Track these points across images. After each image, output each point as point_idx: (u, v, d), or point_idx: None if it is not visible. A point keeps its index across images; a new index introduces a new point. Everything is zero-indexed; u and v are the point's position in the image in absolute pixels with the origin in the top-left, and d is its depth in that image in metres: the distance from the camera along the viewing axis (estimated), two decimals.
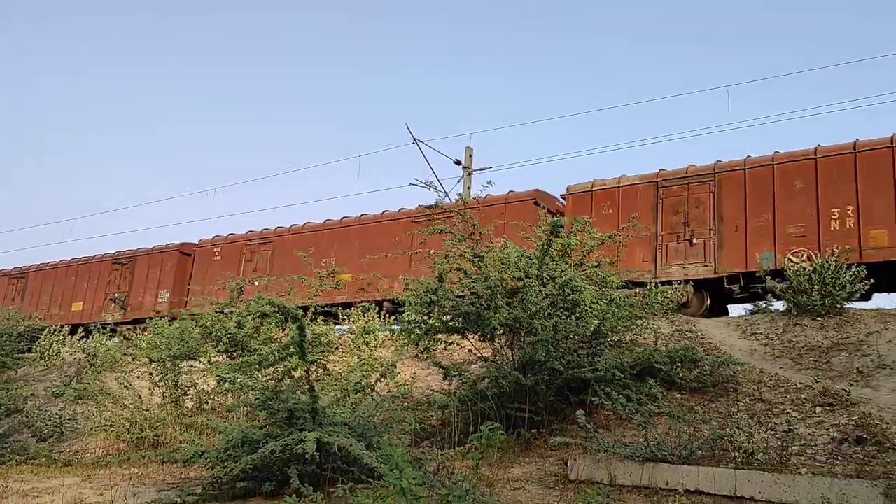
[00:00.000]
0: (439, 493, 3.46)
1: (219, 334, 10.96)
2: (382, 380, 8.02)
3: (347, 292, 17.85)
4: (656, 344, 10.28)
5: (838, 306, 11.52)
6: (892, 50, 56.25)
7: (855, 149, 13.08)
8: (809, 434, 7.46)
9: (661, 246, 14.54)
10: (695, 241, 14.17)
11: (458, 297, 8.94)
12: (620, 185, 15.56)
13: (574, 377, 8.39)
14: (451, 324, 9.19)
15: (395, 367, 7.30)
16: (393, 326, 9.34)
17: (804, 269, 12.06)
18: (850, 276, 11.54)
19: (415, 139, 21.65)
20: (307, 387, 6.26)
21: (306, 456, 5.58)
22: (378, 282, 16.64)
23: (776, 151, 14.00)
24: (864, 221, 12.54)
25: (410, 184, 26.26)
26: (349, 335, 12.67)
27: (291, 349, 6.13)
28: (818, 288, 11.56)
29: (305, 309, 11.87)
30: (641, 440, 7.05)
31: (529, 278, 8.82)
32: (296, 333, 5.93)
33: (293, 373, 6.67)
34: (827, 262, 11.79)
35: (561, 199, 16.79)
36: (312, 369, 9.93)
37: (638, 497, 6.25)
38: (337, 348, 12.17)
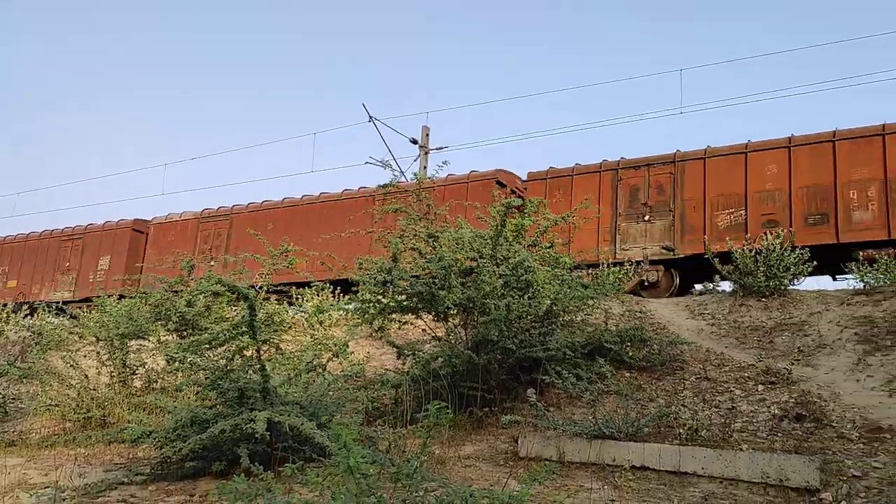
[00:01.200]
0: (389, 471, 3.49)
1: (168, 313, 10.78)
2: (335, 359, 8.00)
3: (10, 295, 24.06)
4: (607, 323, 10.47)
5: (782, 287, 11.86)
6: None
7: None
8: (752, 411, 7.69)
9: None
10: None
11: (412, 276, 8.96)
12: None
13: (526, 356, 8.50)
14: (405, 303, 9.22)
15: (348, 346, 7.29)
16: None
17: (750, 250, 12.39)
18: (794, 258, 11.89)
19: (371, 117, 21.51)
20: (258, 366, 6.22)
21: (256, 435, 5.55)
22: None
23: None
24: None
25: (366, 162, 26.18)
26: (303, 314, 12.59)
27: (242, 328, 6.08)
28: (763, 269, 11.88)
29: (258, 288, 11.80)
30: (590, 418, 7.19)
31: (483, 258, 8.88)
32: (246, 312, 5.87)
33: (244, 352, 6.62)
34: (772, 244, 12.12)
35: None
36: (265, 349, 9.87)
37: (585, 473, 6.38)
38: (290, 327, 12.09)
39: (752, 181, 14.57)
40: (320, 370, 7.32)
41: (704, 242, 14.20)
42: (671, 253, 14.96)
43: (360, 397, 7.37)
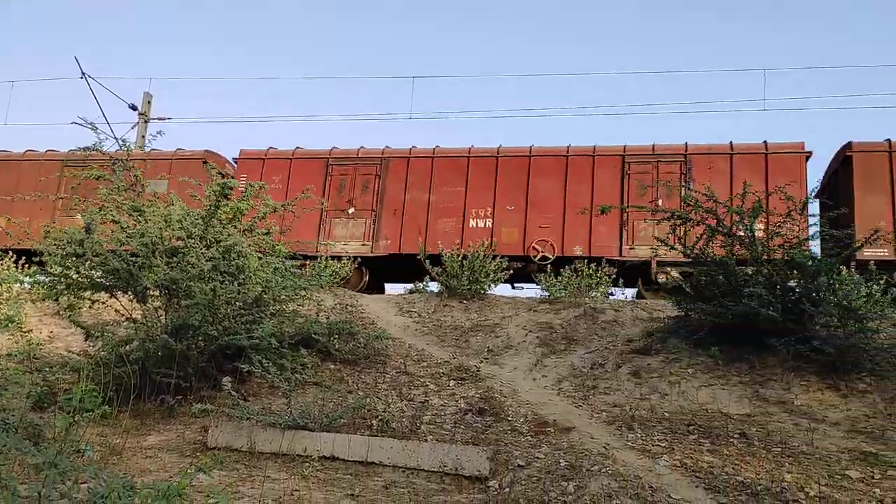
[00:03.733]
0: (32, 460, 3.11)
1: None
2: (7, 336, 7.04)
3: None
4: (318, 315, 10.51)
5: (482, 291, 12.87)
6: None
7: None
8: (442, 405, 8.19)
9: None
10: None
11: (109, 251, 8.22)
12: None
13: (230, 344, 8.21)
14: (99, 280, 8.44)
15: (14, 321, 6.41)
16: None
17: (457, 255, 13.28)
18: (495, 265, 12.97)
19: (83, 73, 19.38)
20: None
21: None
22: None
23: None
24: None
25: (73, 122, 23.45)
26: None
27: None
28: (468, 274, 12.79)
29: None
30: (286, 409, 7.13)
31: (192, 239, 8.43)
32: None
33: None
34: (477, 251, 13.10)
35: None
36: None
37: (275, 464, 6.31)
38: None
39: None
40: None
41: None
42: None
43: (25, 381, 6.55)
